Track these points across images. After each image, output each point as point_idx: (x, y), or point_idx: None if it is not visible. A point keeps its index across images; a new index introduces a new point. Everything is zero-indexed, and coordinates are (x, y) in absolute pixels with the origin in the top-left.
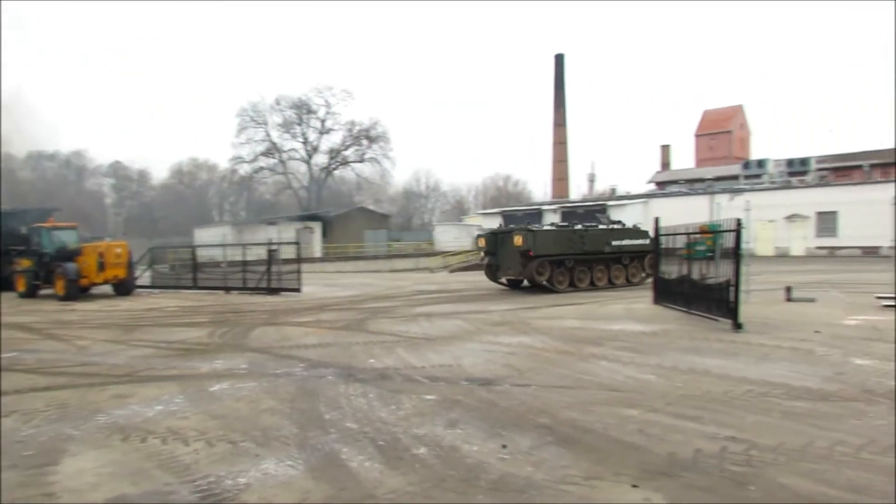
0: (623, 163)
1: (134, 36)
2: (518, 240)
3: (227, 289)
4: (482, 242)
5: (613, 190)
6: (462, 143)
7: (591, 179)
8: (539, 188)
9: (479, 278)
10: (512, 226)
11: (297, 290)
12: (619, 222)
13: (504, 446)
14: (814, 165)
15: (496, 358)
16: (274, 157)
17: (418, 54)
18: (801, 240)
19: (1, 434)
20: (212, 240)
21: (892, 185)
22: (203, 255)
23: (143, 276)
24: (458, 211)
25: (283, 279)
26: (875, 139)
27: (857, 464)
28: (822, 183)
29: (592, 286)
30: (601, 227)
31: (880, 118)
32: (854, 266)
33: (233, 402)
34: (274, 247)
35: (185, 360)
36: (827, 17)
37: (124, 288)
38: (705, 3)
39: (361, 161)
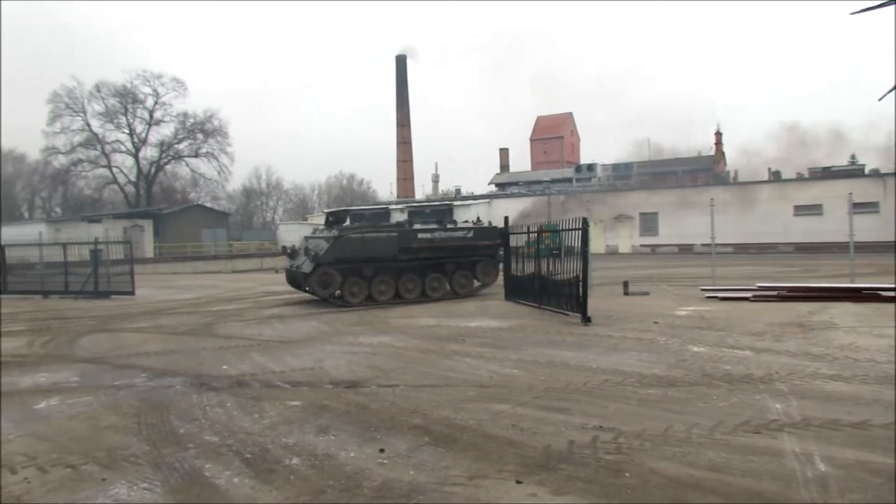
0: (465, 164)
1: None
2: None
3: (46, 293)
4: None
5: (458, 190)
6: (305, 140)
7: (435, 180)
8: (384, 187)
9: None
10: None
11: (131, 293)
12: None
13: (382, 450)
14: (636, 170)
15: (359, 359)
16: (95, 149)
17: (257, 48)
18: (628, 238)
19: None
20: (24, 239)
21: (704, 189)
22: (13, 255)
23: None
24: (301, 209)
25: (112, 281)
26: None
27: (713, 444)
28: (643, 187)
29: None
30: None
31: (695, 129)
32: (673, 262)
33: (65, 420)
34: (101, 246)
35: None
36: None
37: None
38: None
39: (196, 156)
